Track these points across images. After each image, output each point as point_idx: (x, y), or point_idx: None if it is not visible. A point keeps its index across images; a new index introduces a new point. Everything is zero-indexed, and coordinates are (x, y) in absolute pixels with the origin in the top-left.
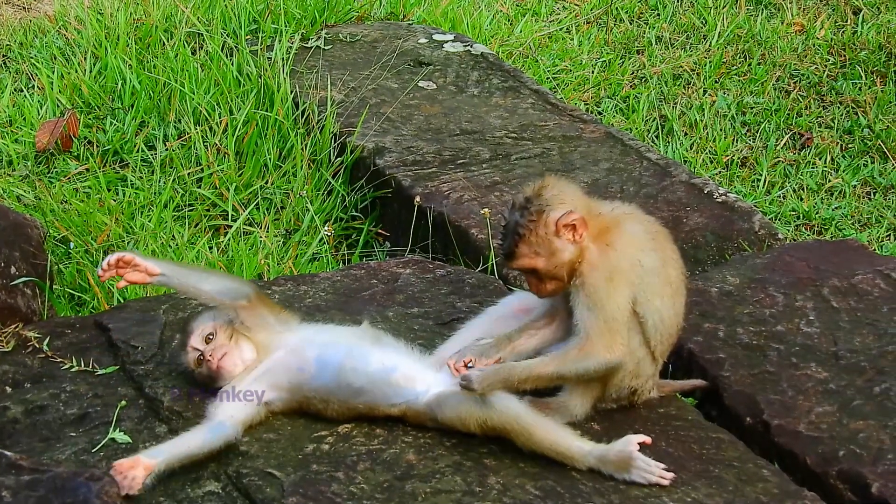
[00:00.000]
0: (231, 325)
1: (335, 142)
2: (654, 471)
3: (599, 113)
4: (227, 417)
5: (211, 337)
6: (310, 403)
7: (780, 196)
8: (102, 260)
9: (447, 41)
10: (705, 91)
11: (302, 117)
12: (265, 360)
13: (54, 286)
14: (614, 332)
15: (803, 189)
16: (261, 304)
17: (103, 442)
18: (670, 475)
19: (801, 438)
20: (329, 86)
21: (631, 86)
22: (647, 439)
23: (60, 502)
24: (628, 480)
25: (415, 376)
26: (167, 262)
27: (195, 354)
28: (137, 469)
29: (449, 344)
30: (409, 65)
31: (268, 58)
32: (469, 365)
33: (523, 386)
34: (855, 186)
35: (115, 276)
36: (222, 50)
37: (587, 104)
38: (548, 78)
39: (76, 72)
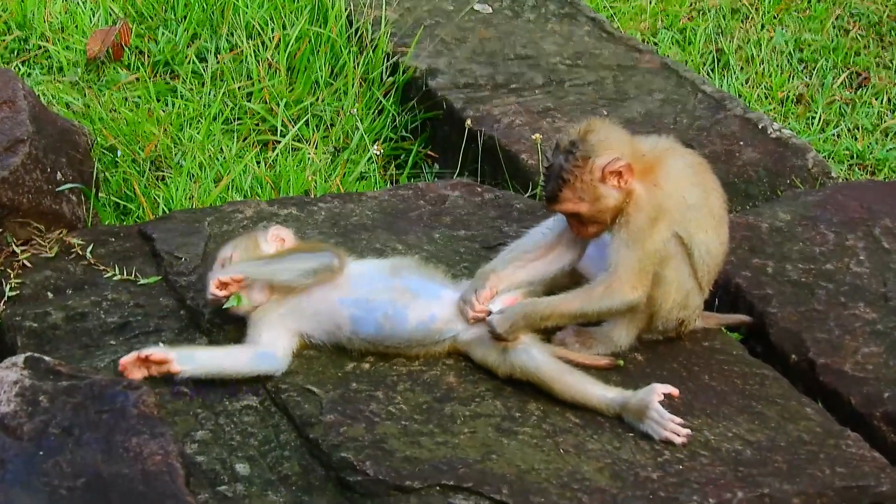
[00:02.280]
0: None
1: (387, 61)
2: (666, 424)
3: (655, 44)
4: (277, 348)
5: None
6: (351, 347)
7: (834, 135)
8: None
9: None
10: (763, 26)
11: (355, 35)
12: (292, 297)
13: (100, 194)
14: (644, 272)
15: (858, 129)
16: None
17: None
18: (685, 432)
19: (847, 378)
20: (384, 5)
21: (688, 18)
22: (674, 390)
23: (97, 409)
24: (641, 432)
25: (453, 315)
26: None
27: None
28: (164, 366)
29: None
30: None
31: None
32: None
33: (546, 323)
34: None
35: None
36: None
37: (643, 34)
38: (604, 6)
39: None
